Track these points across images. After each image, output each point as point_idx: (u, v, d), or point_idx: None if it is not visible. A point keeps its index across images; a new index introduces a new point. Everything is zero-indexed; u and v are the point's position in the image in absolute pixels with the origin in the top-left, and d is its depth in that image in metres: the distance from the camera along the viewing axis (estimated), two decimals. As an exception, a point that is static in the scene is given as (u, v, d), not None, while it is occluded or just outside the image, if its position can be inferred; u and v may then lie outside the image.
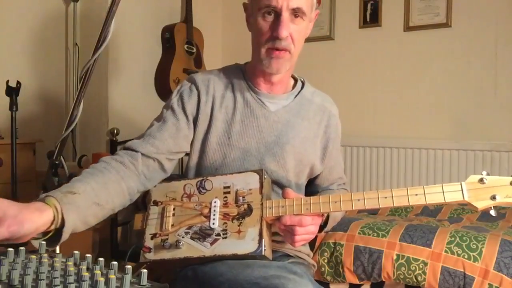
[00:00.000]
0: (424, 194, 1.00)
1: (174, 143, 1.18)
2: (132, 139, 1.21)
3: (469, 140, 2.94)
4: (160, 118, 1.21)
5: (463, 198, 0.99)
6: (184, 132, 1.20)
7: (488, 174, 1.00)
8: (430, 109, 3.07)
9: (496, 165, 2.86)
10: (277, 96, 1.23)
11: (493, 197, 0.98)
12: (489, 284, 1.60)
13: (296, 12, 1.12)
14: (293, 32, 1.13)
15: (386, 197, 1.02)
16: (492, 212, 1.00)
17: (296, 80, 1.31)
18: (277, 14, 1.11)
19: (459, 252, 1.67)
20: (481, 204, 0.98)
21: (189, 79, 1.26)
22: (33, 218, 0.82)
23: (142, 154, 1.14)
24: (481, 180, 0.99)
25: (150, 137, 1.17)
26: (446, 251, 1.69)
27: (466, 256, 1.66)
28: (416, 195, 1.01)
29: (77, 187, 0.98)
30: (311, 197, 1.08)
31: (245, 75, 1.25)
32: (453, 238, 1.72)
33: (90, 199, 0.98)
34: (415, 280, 1.70)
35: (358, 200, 1.04)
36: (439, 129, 3.05)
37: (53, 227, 0.89)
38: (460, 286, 1.64)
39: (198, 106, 1.20)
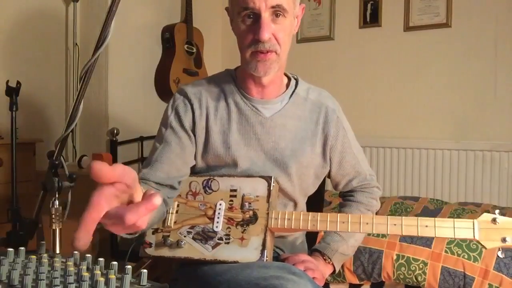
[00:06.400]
0: (435, 226, 1.00)
1: (182, 162, 1.16)
2: (143, 160, 1.23)
3: (469, 140, 2.94)
4: (161, 140, 1.19)
5: (474, 236, 0.99)
6: (189, 149, 1.18)
7: (504, 214, 1.00)
8: (430, 109, 3.07)
9: (496, 165, 2.86)
10: (270, 101, 1.20)
11: (504, 239, 0.97)
12: (489, 284, 1.60)
13: (277, 11, 1.06)
14: (276, 32, 1.08)
15: (395, 224, 1.02)
16: (500, 253, 1.00)
17: (289, 79, 1.27)
18: (257, 16, 1.06)
19: (459, 252, 1.67)
20: (490, 245, 0.98)
21: (180, 92, 1.23)
22: None
23: (155, 183, 1.13)
24: (494, 220, 0.98)
25: (157, 163, 1.14)
26: (446, 251, 1.69)
27: (466, 256, 1.66)
28: (426, 226, 1.01)
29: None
30: (319, 213, 1.07)
31: (236, 81, 1.22)
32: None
33: None
34: (415, 280, 1.70)
35: (367, 223, 1.04)
36: (439, 129, 3.05)
37: None
38: (460, 286, 1.64)
39: (193, 119, 1.18)
